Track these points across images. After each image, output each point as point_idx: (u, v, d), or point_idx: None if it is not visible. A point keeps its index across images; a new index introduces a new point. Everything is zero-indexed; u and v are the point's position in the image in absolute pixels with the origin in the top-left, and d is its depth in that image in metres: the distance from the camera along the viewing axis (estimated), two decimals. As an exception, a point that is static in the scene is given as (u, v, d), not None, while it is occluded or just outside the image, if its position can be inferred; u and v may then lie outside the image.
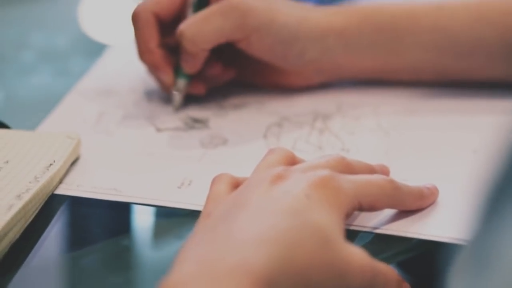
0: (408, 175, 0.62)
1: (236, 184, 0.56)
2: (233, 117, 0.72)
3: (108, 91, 0.76)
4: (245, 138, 0.69)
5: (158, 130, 0.70)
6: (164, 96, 0.74)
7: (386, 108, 0.72)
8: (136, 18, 0.71)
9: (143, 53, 0.71)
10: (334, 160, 0.56)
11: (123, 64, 0.81)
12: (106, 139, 0.68)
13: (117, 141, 0.68)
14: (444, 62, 0.72)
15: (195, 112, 0.73)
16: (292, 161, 0.57)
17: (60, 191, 0.62)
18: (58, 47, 0.89)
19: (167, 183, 0.62)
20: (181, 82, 0.71)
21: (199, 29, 0.68)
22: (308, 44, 0.71)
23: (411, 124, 0.70)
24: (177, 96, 0.72)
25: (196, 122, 0.71)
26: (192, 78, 0.72)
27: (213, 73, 0.73)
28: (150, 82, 0.76)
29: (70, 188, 0.62)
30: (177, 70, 0.71)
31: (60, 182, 0.63)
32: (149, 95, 0.75)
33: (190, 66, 0.70)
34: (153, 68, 0.71)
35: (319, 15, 0.71)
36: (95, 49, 0.87)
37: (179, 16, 0.72)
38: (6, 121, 0.70)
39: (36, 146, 0.64)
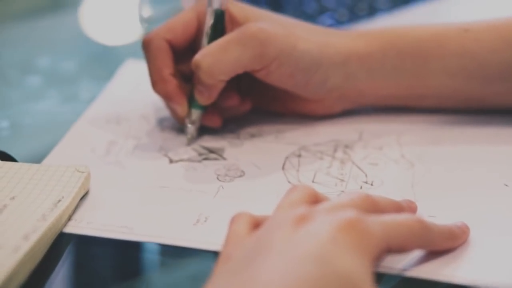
0: (436, 211, 0.59)
1: (256, 223, 0.53)
2: (249, 147, 0.69)
3: (118, 118, 0.72)
4: (263, 170, 0.65)
5: (171, 161, 0.67)
6: (176, 123, 0.71)
7: (410, 137, 0.69)
8: (148, 45, 0.68)
9: (157, 82, 0.68)
10: (359, 198, 0.53)
11: (133, 88, 0.77)
12: (116, 171, 0.65)
13: (128, 174, 0.65)
14: (471, 87, 0.69)
15: (209, 141, 0.69)
16: (315, 199, 0.54)
17: (69, 228, 0.59)
18: (65, 70, 0.86)
19: (181, 220, 0.59)
20: (196, 114, 0.68)
21: (216, 60, 0.64)
22: (330, 71, 0.67)
23: (436, 155, 0.66)
24: (191, 129, 0.68)
25: (211, 152, 0.68)
26: (207, 109, 0.68)
27: (230, 105, 0.70)
28: (162, 108, 0.73)
29: (79, 226, 0.59)
30: (191, 101, 0.68)
31: (69, 219, 0.59)
32: (161, 122, 0.72)
33: (206, 98, 0.67)
34: (166, 98, 0.68)
35: (340, 40, 0.68)
36: (104, 72, 0.84)
37: (192, 44, 0.69)
38: (11, 150, 0.67)
39: (44, 180, 0.61)
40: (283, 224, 0.49)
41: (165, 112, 0.72)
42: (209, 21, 0.67)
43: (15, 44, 0.92)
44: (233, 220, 0.53)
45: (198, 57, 0.65)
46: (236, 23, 0.67)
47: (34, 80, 0.83)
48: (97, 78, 0.83)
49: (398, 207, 0.55)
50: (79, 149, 0.68)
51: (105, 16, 1.03)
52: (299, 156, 0.67)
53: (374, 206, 0.53)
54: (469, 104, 0.70)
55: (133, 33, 0.97)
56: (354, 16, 0.94)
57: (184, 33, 0.68)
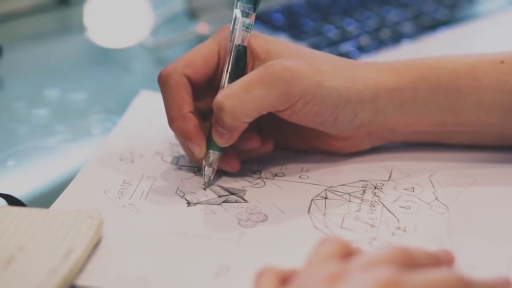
0: (476, 260, 0.55)
1: (283, 279, 0.49)
2: (271, 187, 0.65)
3: (132, 156, 0.68)
4: (287, 214, 0.61)
5: (189, 204, 0.63)
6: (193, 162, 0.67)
7: (444, 176, 0.65)
8: (166, 80, 0.63)
9: (174, 120, 0.63)
10: (395, 253, 0.49)
11: (148, 122, 0.73)
12: (131, 216, 0.61)
13: (143, 219, 0.61)
14: (508, 123, 0.65)
15: (228, 181, 0.65)
16: (347, 252, 0.50)
17: (81, 281, 0.55)
18: (75, 103, 0.82)
19: (201, 271, 0.55)
20: (214, 156, 0.64)
21: (240, 102, 0.60)
22: (359, 107, 0.63)
23: (473, 196, 0.62)
24: (209, 171, 0.64)
25: (231, 194, 0.64)
26: (225, 151, 0.64)
27: (250, 148, 0.65)
28: (178, 144, 0.69)
29: (91, 278, 0.55)
30: (208, 141, 0.63)
31: (81, 270, 0.55)
32: (177, 160, 0.68)
33: (225, 140, 0.62)
34: (185, 138, 0.64)
35: (368, 73, 0.64)
36: (116, 105, 0.80)
37: (211, 79, 0.65)
38: (18, 192, 0.64)
39: (53, 228, 0.57)
40: (315, 283, 0.46)
41: (181, 149, 0.68)
42: (230, 57, 0.63)
43: (22, 75, 0.88)
44: (258, 278, 0.49)
45: (221, 98, 0.60)
46: (257, 58, 0.63)
47: (42, 113, 0.80)
48: (109, 111, 0.80)
49: (435, 260, 0.52)
50: (91, 191, 0.64)
51: (111, 23, 1.01)
52: (326, 198, 0.63)
53: (411, 261, 0.49)
54: (505, 141, 0.66)
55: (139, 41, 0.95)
56: (377, 43, 0.91)
57: (204, 68, 0.64)
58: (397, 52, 0.89)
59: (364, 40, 0.91)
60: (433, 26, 0.96)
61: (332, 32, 0.93)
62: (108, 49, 0.99)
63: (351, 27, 0.94)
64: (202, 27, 0.95)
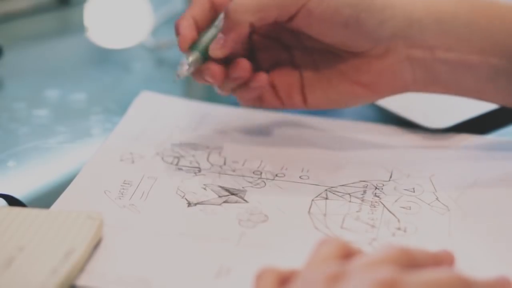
0: (477, 262, 0.55)
1: (283, 279, 0.49)
2: (272, 188, 0.65)
3: (132, 157, 0.68)
4: (287, 214, 0.61)
5: (190, 204, 0.62)
6: (194, 161, 0.67)
7: (444, 177, 0.65)
8: None
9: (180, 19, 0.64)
10: (396, 253, 0.49)
11: (148, 123, 0.73)
12: (131, 216, 0.61)
13: (144, 219, 0.61)
14: None
15: (228, 181, 0.65)
16: (348, 252, 0.50)
17: (81, 281, 0.55)
18: (75, 103, 0.82)
19: (202, 272, 0.55)
20: (194, 56, 0.63)
21: None
22: (387, 11, 0.59)
23: (474, 197, 0.62)
24: (184, 67, 0.63)
25: (231, 194, 0.64)
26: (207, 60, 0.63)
27: (239, 74, 0.64)
28: (178, 144, 0.69)
29: (92, 278, 0.55)
30: (197, 43, 0.63)
31: (81, 270, 0.55)
32: (177, 161, 0.68)
33: (220, 45, 0.62)
34: (175, 29, 0.64)
35: None
36: (116, 106, 0.80)
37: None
38: (18, 192, 0.64)
39: (54, 229, 0.57)
40: (315, 283, 0.46)
41: (181, 150, 0.68)
42: None
43: (21, 75, 0.88)
44: (258, 278, 0.49)
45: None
46: None
47: (42, 114, 0.80)
48: (109, 111, 0.80)
49: (436, 261, 0.51)
50: (91, 191, 0.64)
51: (111, 23, 1.01)
52: (326, 198, 0.63)
53: (411, 261, 0.49)
54: None
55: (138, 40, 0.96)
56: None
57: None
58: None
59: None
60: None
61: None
62: (109, 49, 0.98)
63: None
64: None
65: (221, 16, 0.62)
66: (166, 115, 0.75)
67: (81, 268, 0.55)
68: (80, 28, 1.01)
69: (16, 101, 0.82)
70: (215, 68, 0.63)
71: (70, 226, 0.57)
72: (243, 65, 0.63)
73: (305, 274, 0.48)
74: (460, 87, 0.63)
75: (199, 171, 0.66)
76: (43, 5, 1.02)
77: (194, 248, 0.58)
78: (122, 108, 0.76)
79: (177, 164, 0.67)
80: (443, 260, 0.52)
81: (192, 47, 0.63)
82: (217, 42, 0.62)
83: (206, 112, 0.75)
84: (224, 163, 0.67)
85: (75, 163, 0.70)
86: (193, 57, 0.63)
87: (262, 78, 0.64)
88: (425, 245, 0.56)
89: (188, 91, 0.91)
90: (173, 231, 0.59)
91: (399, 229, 0.59)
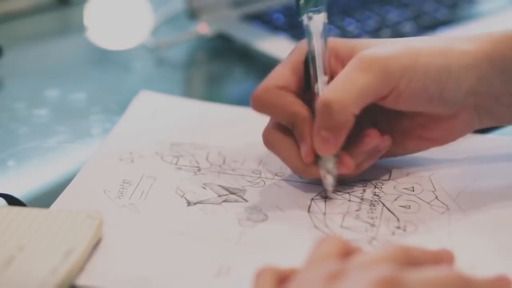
0: (476, 259, 0.55)
1: (282, 278, 0.49)
2: (271, 187, 0.64)
3: (132, 156, 0.68)
4: (287, 213, 0.61)
5: (189, 203, 0.62)
6: (193, 159, 0.67)
7: (443, 175, 0.65)
8: (261, 100, 0.62)
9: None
10: (395, 251, 0.49)
11: (147, 122, 0.73)
12: (131, 215, 0.61)
13: (143, 218, 0.61)
14: None
15: (228, 180, 0.65)
16: (347, 251, 0.50)
17: (81, 280, 0.55)
18: (75, 103, 0.82)
19: (201, 271, 0.55)
20: (329, 162, 0.61)
21: (345, 92, 0.59)
22: (462, 73, 0.61)
23: (473, 195, 0.62)
24: (330, 179, 0.61)
25: (231, 194, 0.64)
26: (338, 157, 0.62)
27: (373, 144, 0.63)
28: (177, 143, 0.69)
29: (91, 278, 0.55)
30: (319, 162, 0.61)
31: (81, 270, 0.55)
32: (177, 160, 0.68)
33: (332, 145, 0.60)
34: (299, 138, 0.62)
35: (464, 43, 0.62)
36: (116, 106, 0.80)
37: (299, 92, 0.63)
38: (18, 191, 0.64)
39: (53, 228, 0.57)
40: (314, 282, 0.46)
41: (181, 149, 0.69)
42: (315, 64, 0.62)
43: (21, 75, 0.88)
44: (257, 276, 0.49)
45: (325, 95, 0.59)
46: (344, 57, 0.62)
47: (42, 114, 0.80)
48: (109, 110, 0.80)
49: (435, 259, 0.52)
50: (90, 191, 0.64)
51: (111, 23, 1.01)
52: (326, 197, 0.63)
53: (411, 260, 0.49)
54: None
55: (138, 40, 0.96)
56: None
57: (294, 76, 0.63)
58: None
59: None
60: (434, 26, 0.96)
61: (332, 32, 0.93)
62: (108, 49, 0.99)
63: (352, 27, 0.94)
64: (202, 27, 0.95)
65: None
66: (165, 114, 0.75)
67: (81, 268, 0.55)
68: (80, 28, 1.01)
69: (16, 101, 0.82)
70: (347, 162, 0.62)
71: (69, 225, 0.57)
72: (375, 135, 0.63)
73: (304, 273, 0.48)
74: None
75: (199, 170, 0.66)
76: (43, 5, 1.02)
77: (194, 247, 0.58)
78: (122, 108, 0.76)
79: (176, 164, 0.67)
80: (443, 258, 0.53)
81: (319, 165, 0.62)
82: (327, 143, 0.60)
83: (206, 111, 0.75)
84: (224, 162, 0.67)
85: (75, 163, 0.70)
86: (328, 163, 0.61)
87: (388, 140, 0.64)
88: (425, 244, 0.57)
89: (187, 90, 0.91)
90: (173, 230, 0.59)
91: (398, 228, 0.59)
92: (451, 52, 0.61)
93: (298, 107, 0.62)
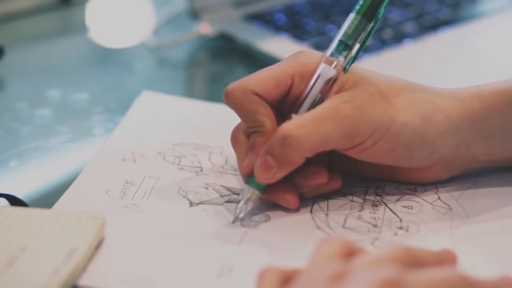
0: (479, 260, 0.56)
1: (285, 278, 0.49)
2: (273, 187, 0.65)
3: (134, 156, 0.68)
4: (289, 213, 0.61)
5: (191, 204, 0.62)
6: (195, 160, 0.67)
7: (446, 176, 0.65)
8: (233, 97, 0.61)
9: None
10: (398, 252, 0.49)
11: (149, 123, 0.73)
12: (133, 216, 0.61)
13: (146, 219, 0.61)
14: None
15: (230, 181, 0.65)
16: (350, 251, 0.50)
17: (83, 281, 0.55)
18: (77, 103, 0.82)
19: (204, 272, 0.55)
20: (253, 194, 0.60)
21: (308, 134, 0.57)
22: (438, 140, 0.60)
23: (475, 196, 0.62)
24: (241, 208, 0.60)
25: (233, 194, 0.64)
26: (265, 192, 0.60)
27: (317, 182, 0.61)
28: (180, 144, 0.69)
29: (94, 278, 0.55)
30: (251, 176, 0.60)
31: (83, 270, 0.55)
32: (179, 160, 0.68)
33: (271, 175, 0.59)
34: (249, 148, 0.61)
35: (450, 103, 0.60)
36: (118, 106, 0.80)
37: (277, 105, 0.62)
38: (20, 192, 0.65)
39: (56, 228, 0.57)
40: (317, 282, 0.46)
41: (183, 149, 0.69)
42: (317, 88, 0.60)
43: (23, 75, 0.88)
44: (260, 277, 0.49)
45: (290, 126, 0.58)
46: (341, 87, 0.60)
47: (44, 114, 0.80)
48: (111, 111, 0.80)
49: (438, 260, 0.52)
50: (93, 191, 0.64)
51: (113, 21, 1.01)
52: (328, 198, 0.63)
53: (414, 260, 0.49)
54: None
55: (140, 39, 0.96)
56: (379, 43, 0.91)
57: (276, 90, 0.60)
58: (399, 52, 0.89)
59: (366, 40, 0.91)
60: (435, 26, 0.96)
61: (334, 32, 0.93)
62: (110, 49, 0.99)
63: (353, 27, 0.94)
64: (204, 27, 0.95)
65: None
66: (167, 114, 0.75)
67: (83, 268, 0.55)
68: (81, 28, 1.02)
69: (18, 101, 0.82)
70: (291, 199, 0.61)
71: (72, 225, 0.57)
72: (323, 175, 0.61)
73: (307, 273, 0.48)
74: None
75: (201, 170, 0.66)
76: (45, 5, 1.02)
77: (196, 248, 0.58)
78: (124, 108, 0.76)
79: (178, 164, 0.67)
80: (446, 259, 0.53)
81: (248, 180, 0.60)
82: (267, 171, 0.59)
83: (208, 111, 0.75)
84: (226, 163, 0.68)
85: (77, 163, 0.70)
86: (251, 194, 0.60)
87: (337, 183, 0.63)
88: (427, 244, 0.57)
89: (189, 90, 0.91)
90: (175, 231, 0.59)
91: (401, 228, 0.59)
92: (432, 117, 0.60)
93: (265, 118, 0.60)
